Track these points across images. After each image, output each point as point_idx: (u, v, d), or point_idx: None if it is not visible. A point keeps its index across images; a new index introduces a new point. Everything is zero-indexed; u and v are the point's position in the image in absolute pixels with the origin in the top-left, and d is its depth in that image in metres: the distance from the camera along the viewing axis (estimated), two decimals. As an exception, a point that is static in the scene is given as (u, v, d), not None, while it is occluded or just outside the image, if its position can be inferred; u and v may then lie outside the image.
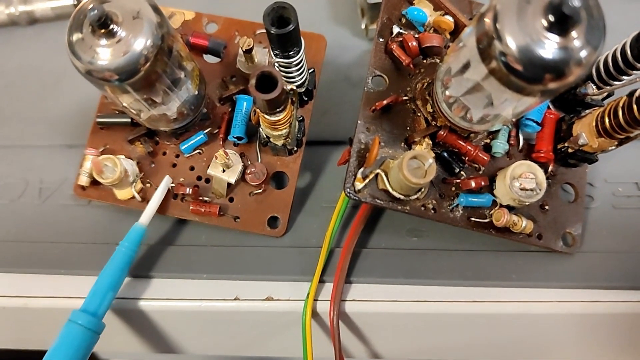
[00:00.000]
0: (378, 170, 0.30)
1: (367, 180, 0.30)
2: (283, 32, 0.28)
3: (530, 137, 0.32)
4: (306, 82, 0.34)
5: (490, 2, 0.23)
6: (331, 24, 0.45)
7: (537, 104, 0.26)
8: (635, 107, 0.27)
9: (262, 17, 0.28)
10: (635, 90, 0.27)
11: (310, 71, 0.35)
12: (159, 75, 0.28)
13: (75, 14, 0.27)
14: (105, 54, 0.26)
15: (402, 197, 0.30)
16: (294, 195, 0.35)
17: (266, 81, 0.27)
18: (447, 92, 0.28)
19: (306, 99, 0.35)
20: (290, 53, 0.30)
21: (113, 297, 0.31)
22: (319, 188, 0.37)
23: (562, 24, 0.21)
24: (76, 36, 0.26)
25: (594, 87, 0.31)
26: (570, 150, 0.31)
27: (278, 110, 0.29)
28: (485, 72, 0.24)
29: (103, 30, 0.26)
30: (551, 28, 0.21)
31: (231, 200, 0.34)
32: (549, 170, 0.32)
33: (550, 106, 0.33)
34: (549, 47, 0.22)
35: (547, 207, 0.32)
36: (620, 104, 0.27)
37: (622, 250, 0.32)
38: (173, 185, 0.34)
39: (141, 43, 0.26)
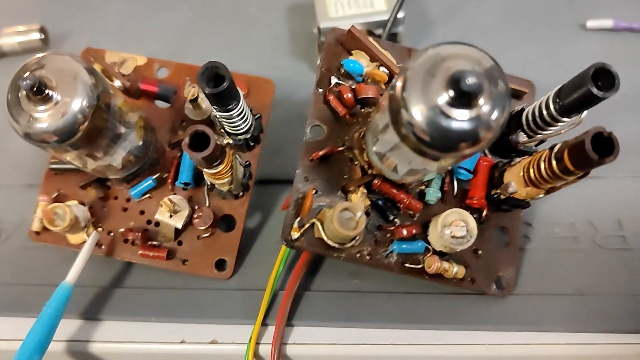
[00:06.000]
0: (314, 220, 0.31)
1: (302, 230, 0.31)
2: (217, 92, 0.29)
3: (465, 183, 0.33)
4: (251, 129, 0.35)
5: (402, 68, 0.24)
6: (291, 58, 0.46)
7: (459, 161, 0.27)
8: (554, 162, 0.27)
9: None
10: (555, 145, 0.28)
11: (256, 117, 0.36)
12: (99, 132, 0.29)
13: (14, 77, 0.28)
14: (42, 118, 0.27)
15: (337, 245, 0.31)
16: (242, 238, 0.36)
17: (200, 138, 0.29)
18: (374, 148, 0.29)
19: (252, 144, 0.36)
20: (229, 107, 0.31)
21: (40, 359, 0.30)
22: (269, 228, 0.38)
23: (463, 99, 0.22)
24: (13, 100, 0.27)
25: (525, 135, 0.32)
26: (502, 197, 0.32)
27: (215, 164, 0.30)
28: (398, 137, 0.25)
29: (38, 97, 0.27)
30: (453, 102, 0.22)
31: (180, 243, 0.35)
32: (483, 215, 0.33)
33: (486, 152, 0.34)
34: (454, 119, 0.22)
35: (480, 252, 0.33)
36: (542, 157, 0.28)
37: (556, 292, 0.33)
38: (122, 230, 0.35)
39: (77, 104, 0.28)
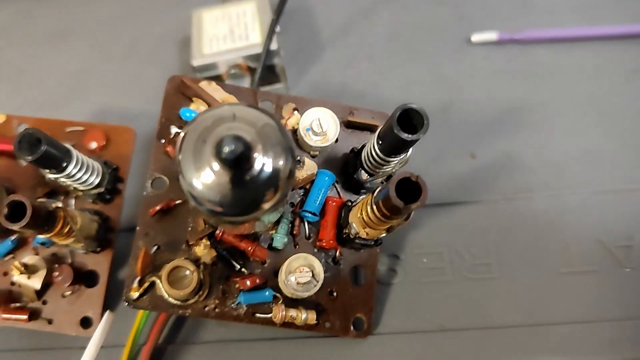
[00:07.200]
0: (154, 278, 0.30)
1: (141, 290, 0.30)
2: (36, 157, 0.28)
3: (317, 224, 0.32)
4: (104, 182, 0.34)
5: (185, 127, 0.23)
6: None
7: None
8: (375, 207, 0.27)
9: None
10: (375, 189, 0.27)
11: (113, 168, 0.35)
12: None
13: None
14: None
15: (180, 302, 0.30)
16: (110, 291, 0.35)
17: (20, 207, 0.28)
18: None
19: (109, 197, 0.35)
20: (63, 166, 0.31)
21: None
22: (140, 278, 0.37)
23: (232, 166, 0.21)
24: None
25: (366, 173, 0.31)
26: (350, 237, 0.31)
27: (46, 229, 0.29)
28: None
29: None
30: (225, 171, 0.21)
31: (45, 302, 0.35)
32: (336, 255, 0.32)
33: (338, 189, 0.33)
34: (231, 185, 0.22)
35: (335, 294, 0.32)
36: (368, 201, 0.28)
37: (419, 329, 0.32)
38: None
39: None
